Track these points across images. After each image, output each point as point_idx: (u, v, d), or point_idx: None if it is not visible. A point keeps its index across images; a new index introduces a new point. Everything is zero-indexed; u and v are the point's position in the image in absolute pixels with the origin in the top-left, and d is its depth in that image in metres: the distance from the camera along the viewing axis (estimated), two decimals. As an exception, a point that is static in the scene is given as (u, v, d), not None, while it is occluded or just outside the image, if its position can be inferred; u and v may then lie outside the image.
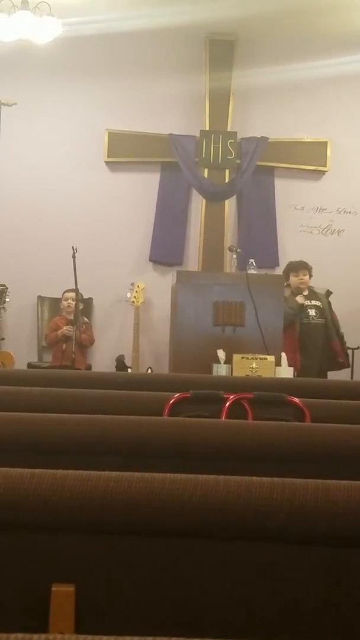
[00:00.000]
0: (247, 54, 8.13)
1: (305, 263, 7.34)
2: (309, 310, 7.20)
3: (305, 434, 2.54)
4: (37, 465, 1.69)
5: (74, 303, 7.40)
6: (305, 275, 7.26)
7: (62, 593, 1.53)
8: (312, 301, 7.25)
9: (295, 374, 6.53)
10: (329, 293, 7.35)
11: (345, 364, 7.31)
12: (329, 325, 7.22)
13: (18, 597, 1.57)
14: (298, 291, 7.22)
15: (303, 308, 7.15)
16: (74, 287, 7.15)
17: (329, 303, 7.31)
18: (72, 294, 7.38)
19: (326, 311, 7.23)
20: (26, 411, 2.64)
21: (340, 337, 7.28)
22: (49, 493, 1.59)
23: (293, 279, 7.27)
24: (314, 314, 7.21)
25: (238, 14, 7.53)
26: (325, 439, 2.50)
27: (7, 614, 1.56)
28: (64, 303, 7.60)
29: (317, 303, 7.25)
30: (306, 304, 7.19)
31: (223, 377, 5.67)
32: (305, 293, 7.23)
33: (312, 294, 7.29)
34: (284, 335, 6.65)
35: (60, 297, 7.71)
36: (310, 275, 7.33)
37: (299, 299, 7.16)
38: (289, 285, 7.25)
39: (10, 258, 8.01)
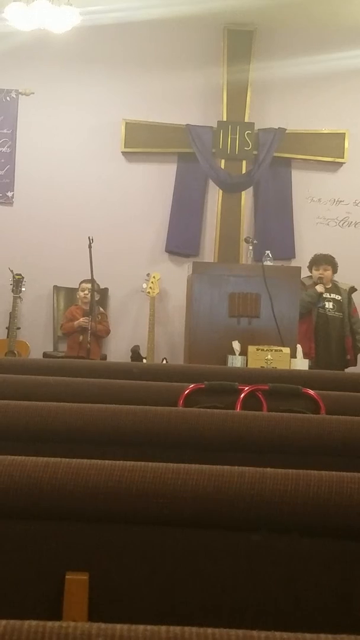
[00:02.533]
0: (265, 45, 8.09)
1: (329, 258, 7.29)
2: (327, 302, 7.19)
3: (320, 426, 2.54)
4: (52, 455, 1.69)
5: (89, 294, 7.41)
6: (326, 270, 7.23)
7: (76, 581, 1.53)
8: (331, 294, 7.23)
9: (310, 363, 6.51)
10: (352, 290, 7.31)
11: (351, 362, 7.26)
12: (345, 321, 7.20)
13: (32, 585, 1.57)
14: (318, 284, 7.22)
15: (321, 298, 7.14)
16: (89, 279, 7.15)
17: (350, 299, 7.28)
18: (89, 285, 7.39)
19: (344, 306, 7.20)
20: (41, 400, 2.65)
21: (354, 335, 7.25)
22: (63, 482, 1.60)
23: (314, 272, 7.28)
24: (331, 306, 7.20)
25: (257, 4, 7.49)
26: (340, 431, 2.50)
27: (21, 601, 1.57)
28: (81, 294, 7.60)
29: (337, 297, 7.23)
30: (325, 295, 7.17)
31: (238, 368, 5.66)
32: (328, 286, 7.22)
33: (334, 288, 7.27)
34: (300, 323, 6.67)
35: (77, 287, 7.72)
36: (335, 271, 7.30)
37: (319, 287, 7.15)
38: (311, 277, 7.28)
39: (27, 248, 8.03)
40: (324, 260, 7.28)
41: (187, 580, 1.58)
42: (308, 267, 7.39)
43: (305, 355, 6.66)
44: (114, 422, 2.51)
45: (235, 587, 1.58)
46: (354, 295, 7.37)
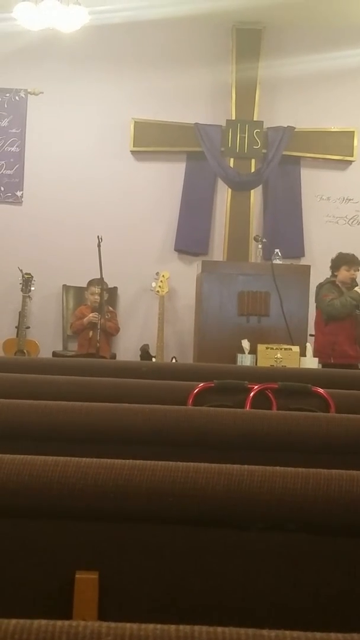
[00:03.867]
0: (274, 43, 8.08)
1: (357, 259, 7.21)
2: None
3: (330, 425, 2.53)
4: (61, 453, 1.70)
5: (99, 297, 7.40)
6: (357, 270, 7.13)
7: (86, 580, 1.54)
8: None
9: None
10: None
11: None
12: None
13: (42, 583, 1.58)
14: (345, 285, 7.06)
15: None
16: (98, 278, 7.16)
17: None
18: (98, 288, 7.37)
19: None
20: (51, 399, 2.65)
21: None
22: (73, 481, 1.60)
23: (344, 273, 7.08)
24: None
25: (265, 3, 7.49)
26: (350, 430, 2.49)
27: (31, 600, 1.57)
28: (91, 297, 7.58)
29: None
30: None
31: (247, 367, 5.66)
32: (358, 288, 7.10)
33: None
34: (336, 326, 6.65)
35: (85, 286, 7.72)
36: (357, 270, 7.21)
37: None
38: (335, 276, 7.17)
39: (36, 247, 8.05)
40: (357, 261, 7.12)
41: (197, 579, 1.58)
42: (333, 267, 7.19)
43: (353, 360, 6.57)
44: (123, 421, 2.51)
45: (245, 586, 1.58)
46: None
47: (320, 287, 7.03)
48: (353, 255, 7.20)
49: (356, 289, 7.02)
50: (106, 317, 7.36)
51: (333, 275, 7.17)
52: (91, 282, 7.53)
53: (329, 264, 7.21)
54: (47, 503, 1.60)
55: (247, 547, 1.59)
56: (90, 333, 7.32)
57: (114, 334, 7.79)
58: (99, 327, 7.05)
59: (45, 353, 7.60)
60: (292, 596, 1.57)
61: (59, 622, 0.99)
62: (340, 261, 7.18)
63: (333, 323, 6.94)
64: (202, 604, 1.57)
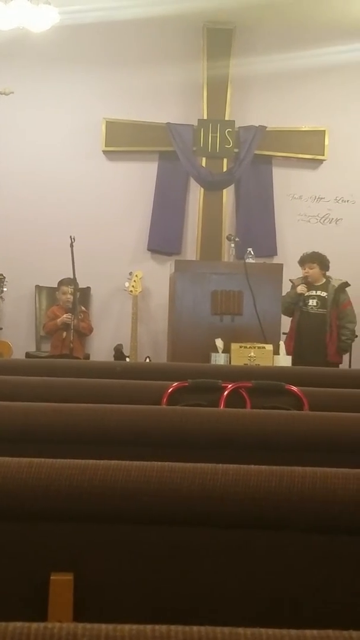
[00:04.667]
0: (244, 43, 8.10)
1: (313, 255, 7.30)
2: (311, 300, 7.21)
3: (304, 423, 2.54)
4: (35, 455, 1.69)
5: (72, 297, 7.40)
6: (311, 268, 7.25)
7: (61, 582, 1.53)
8: (317, 291, 7.23)
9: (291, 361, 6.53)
10: (344, 285, 7.29)
11: (331, 356, 7.17)
12: (326, 318, 7.18)
13: (17, 586, 1.57)
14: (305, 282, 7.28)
15: (301, 298, 7.17)
16: (69, 277, 7.15)
17: (339, 295, 7.22)
18: (69, 287, 7.38)
19: (328, 302, 7.18)
20: (24, 400, 2.64)
21: (340, 329, 7.21)
22: (47, 482, 1.59)
23: (302, 272, 7.33)
24: (314, 304, 7.21)
25: (236, 3, 7.51)
26: (323, 428, 2.50)
27: (5, 602, 1.56)
28: (63, 297, 7.56)
29: (322, 293, 7.22)
30: (307, 293, 7.19)
31: (221, 365, 5.67)
32: (318, 283, 7.23)
33: (324, 284, 7.26)
34: (290, 322, 6.88)
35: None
36: (323, 267, 7.29)
37: (300, 288, 7.19)
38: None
39: (8, 247, 8.01)
40: (308, 259, 7.30)
41: (173, 579, 1.58)
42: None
43: (287, 353, 6.69)
44: (97, 421, 2.50)
45: (221, 585, 1.59)
46: (350, 290, 7.35)
47: None
48: (306, 254, 7.32)
49: (299, 287, 7.14)
50: (79, 316, 7.34)
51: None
52: (62, 282, 7.51)
53: None
54: (21, 504, 1.59)
55: (222, 545, 1.60)
56: (64, 334, 7.29)
57: (87, 334, 7.77)
58: (72, 327, 7.02)
59: (18, 354, 7.56)
60: (268, 594, 1.58)
61: (34, 624, 0.98)
62: (298, 262, 7.34)
63: (292, 320, 7.26)
64: (178, 603, 1.57)
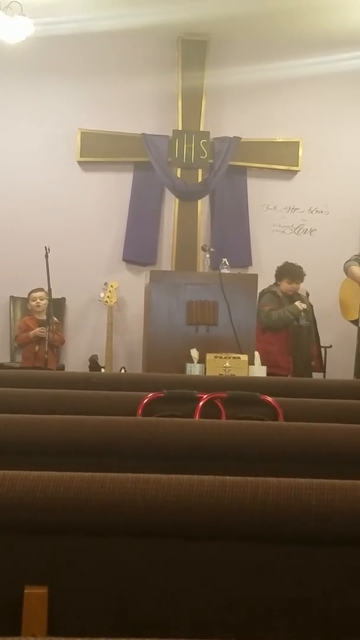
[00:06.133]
0: (219, 55, 8.14)
1: (301, 272, 7.27)
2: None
3: (278, 433, 2.55)
4: (9, 467, 1.68)
5: (42, 302, 7.37)
6: (299, 284, 7.25)
7: (35, 595, 1.52)
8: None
9: (289, 376, 6.58)
10: (307, 295, 7.36)
11: (316, 368, 7.28)
12: (311, 328, 7.23)
13: (-9, 599, 1.56)
14: (286, 296, 7.23)
15: (301, 314, 7.14)
16: (40, 287, 7.14)
17: (311, 305, 7.32)
18: (40, 293, 7.37)
19: (311, 314, 7.24)
20: (-2, 412, 2.63)
21: (318, 340, 7.31)
22: (21, 494, 1.58)
23: (286, 285, 7.24)
24: (303, 316, 7.22)
25: (210, 16, 7.54)
26: (298, 438, 2.51)
27: (-21, 616, 1.55)
28: (32, 303, 7.54)
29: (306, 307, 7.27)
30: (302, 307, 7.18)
31: (196, 376, 5.67)
32: (298, 302, 7.23)
33: (304, 298, 7.29)
34: (276, 337, 6.83)
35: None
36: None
37: (299, 304, 7.12)
38: (277, 285, 7.29)
39: (-18, 258, 7.97)
40: (299, 277, 7.24)
41: (148, 591, 1.58)
42: (277, 276, 7.34)
43: (284, 371, 6.70)
44: (72, 433, 2.49)
45: (198, 597, 1.58)
46: (325, 299, 7.40)
47: (261, 295, 7.12)
48: (298, 268, 7.28)
49: (297, 303, 7.12)
50: (52, 328, 7.30)
51: (275, 284, 7.29)
52: (32, 291, 7.50)
53: None
54: (-5, 518, 1.58)
55: (198, 557, 1.59)
56: (37, 347, 7.24)
57: (59, 346, 7.73)
58: (47, 339, 6.97)
59: (-8, 365, 7.52)
60: (244, 605, 1.58)
61: (8, 639, 0.98)
62: (284, 274, 7.29)
63: (269, 333, 7.08)
64: (153, 616, 1.57)
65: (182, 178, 8.20)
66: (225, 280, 6.40)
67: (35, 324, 7.38)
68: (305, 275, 7.29)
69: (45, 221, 8.05)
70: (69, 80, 8.17)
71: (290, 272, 7.27)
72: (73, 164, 8.23)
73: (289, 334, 7.16)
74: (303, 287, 7.39)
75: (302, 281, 7.28)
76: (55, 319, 7.55)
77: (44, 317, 7.31)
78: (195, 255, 8.09)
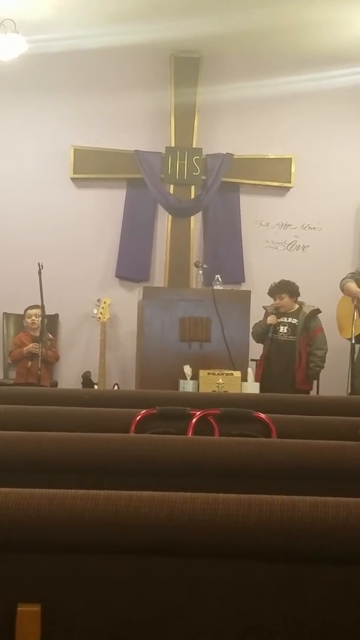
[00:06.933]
0: (211, 72, 8.18)
1: (281, 286, 7.29)
2: (282, 326, 7.21)
3: (272, 450, 2.55)
4: (1, 484, 1.67)
5: (38, 320, 7.37)
6: (282, 298, 7.26)
7: (28, 613, 1.51)
8: (288, 318, 7.24)
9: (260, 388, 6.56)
10: (315, 312, 7.29)
11: (299, 384, 7.14)
12: (296, 344, 7.16)
13: (-17, 618, 1.55)
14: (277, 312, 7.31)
15: (270, 328, 7.16)
16: (36, 304, 7.13)
17: (309, 322, 7.21)
18: (35, 311, 7.37)
19: (298, 329, 7.18)
20: (-9, 429, 2.62)
21: (309, 357, 7.19)
22: (14, 512, 1.58)
23: (274, 302, 7.33)
24: (285, 331, 7.21)
25: (202, 33, 7.59)
26: (291, 455, 2.51)
27: (-28, 635, 1.54)
28: (28, 320, 7.55)
29: (292, 320, 7.22)
30: (279, 320, 7.19)
31: (189, 393, 5.68)
32: (291, 310, 7.27)
33: (295, 311, 7.27)
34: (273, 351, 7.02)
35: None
36: (293, 295, 7.31)
37: (270, 319, 7.17)
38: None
39: (-25, 274, 7.96)
40: (277, 290, 7.29)
41: (142, 609, 1.57)
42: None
43: (256, 380, 6.70)
44: (65, 449, 2.49)
45: (192, 614, 1.58)
46: (320, 316, 7.35)
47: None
48: (275, 286, 7.34)
49: (269, 318, 7.17)
50: (47, 345, 7.30)
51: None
52: (28, 308, 7.51)
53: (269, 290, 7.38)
54: (-13, 535, 1.57)
55: (190, 574, 1.59)
56: (29, 363, 7.23)
57: (53, 363, 7.73)
58: (40, 355, 6.96)
59: (-15, 381, 7.50)
60: (236, 624, 1.57)
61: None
62: (269, 293, 7.38)
63: (264, 347, 7.25)
64: (146, 633, 1.56)
65: (175, 194, 8.22)
66: (218, 296, 6.42)
67: (30, 340, 7.38)
68: (292, 288, 7.29)
69: (38, 237, 8.06)
70: (62, 97, 8.20)
71: (269, 290, 7.39)
72: (66, 181, 8.25)
73: (266, 346, 7.24)
74: (308, 303, 7.36)
75: (287, 293, 7.26)
76: (50, 335, 7.56)
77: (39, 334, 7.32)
78: (188, 272, 8.10)
